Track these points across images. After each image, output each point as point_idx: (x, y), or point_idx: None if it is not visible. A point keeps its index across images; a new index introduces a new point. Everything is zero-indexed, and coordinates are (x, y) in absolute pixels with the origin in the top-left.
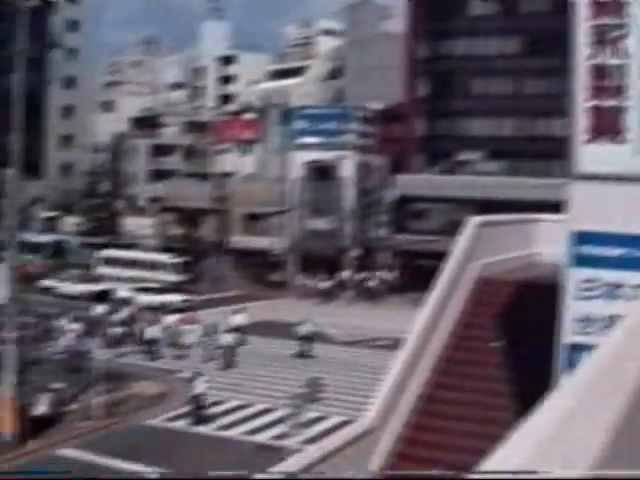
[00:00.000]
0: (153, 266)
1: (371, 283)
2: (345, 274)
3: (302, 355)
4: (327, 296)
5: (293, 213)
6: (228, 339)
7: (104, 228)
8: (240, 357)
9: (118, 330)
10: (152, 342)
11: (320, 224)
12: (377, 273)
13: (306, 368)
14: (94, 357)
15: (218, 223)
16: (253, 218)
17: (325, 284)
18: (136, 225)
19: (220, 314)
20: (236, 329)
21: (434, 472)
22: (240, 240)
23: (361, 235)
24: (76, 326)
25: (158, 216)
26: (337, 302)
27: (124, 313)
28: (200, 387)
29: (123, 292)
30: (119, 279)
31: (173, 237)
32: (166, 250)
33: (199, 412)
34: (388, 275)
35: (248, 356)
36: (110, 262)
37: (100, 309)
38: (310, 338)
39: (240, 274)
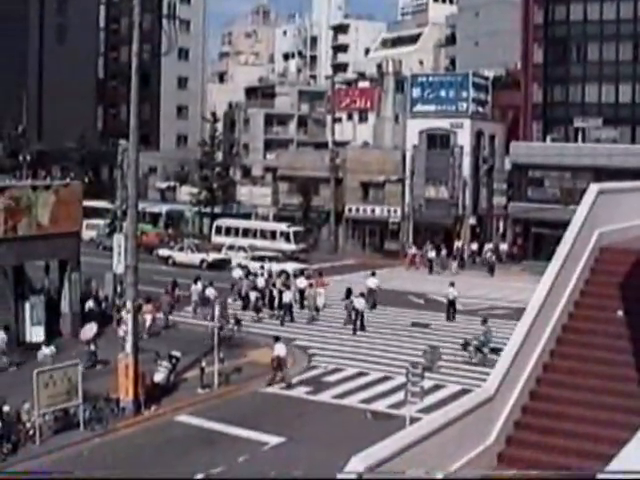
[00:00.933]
0: (269, 235)
1: (488, 252)
2: (459, 243)
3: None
4: (440, 265)
5: (409, 182)
6: (362, 303)
7: (220, 198)
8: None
9: (255, 295)
10: (287, 306)
11: (436, 192)
12: (492, 242)
13: (423, 336)
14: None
15: (333, 192)
16: (368, 187)
17: (433, 253)
18: (251, 194)
19: (338, 283)
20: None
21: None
22: (355, 209)
23: (477, 203)
24: (213, 291)
25: (273, 185)
26: (450, 271)
27: (260, 279)
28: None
29: (239, 261)
30: (235, 248)
31: (288, 206)
32: (281, 219)
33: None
34: (504, 244)
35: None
36: (226, 231)
37: (236, 274)
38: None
39: (355, 243)
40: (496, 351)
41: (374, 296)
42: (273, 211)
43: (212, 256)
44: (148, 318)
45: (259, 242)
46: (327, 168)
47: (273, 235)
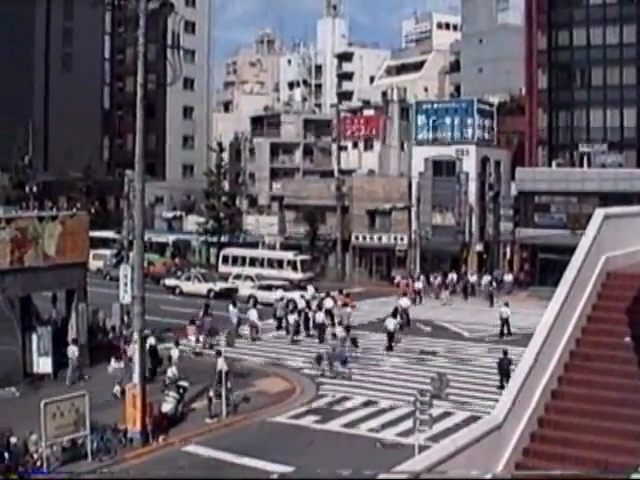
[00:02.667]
0: (276, 264)
1: (485, 282)
2: (453, 275)
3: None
4: (435, 294)
5: (415, 209)
6: (393, 323)
7: (226, 227)
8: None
9: (294, 319)
10: (321, 326)
11: (442, 219)
12: (492, 273)
13: (432, 363)
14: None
15: (340, 220)
16: (375, 214)
17: (420, 283)
18: (258, 223)
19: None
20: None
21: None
22: (362, 236)
23: (484, 230)
24: (255, 313)
25: (279, 214)
26: (442, 300)
27: (301, 301)
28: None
29: (247, 290)
30: (242, 277)
31: (295, 234)
32: (288, 248)
33: None
34: (508, 275)
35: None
36: (233, 260)
37: (276, 296)
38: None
39: (362, 270)
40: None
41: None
42: (280, 240)
43: (219, 285)
44: (193, 339)
45: (266, 271)
46: (333, 196)
47: (280, 264)
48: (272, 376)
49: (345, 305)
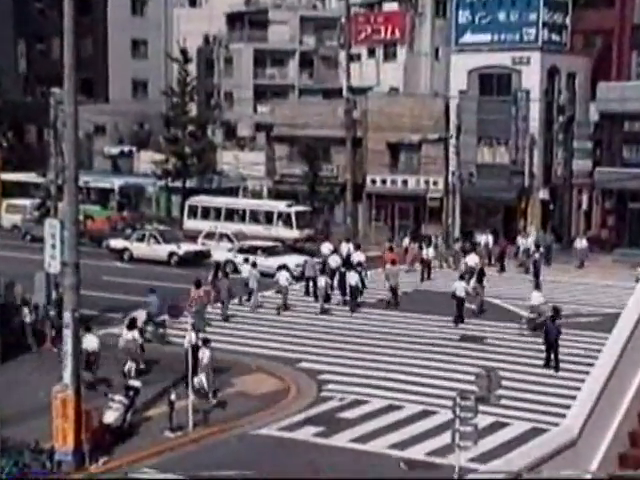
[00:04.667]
0: (263, 218)
1: (525, 251)
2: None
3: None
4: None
5: (454, 142)
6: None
7: (194, 167)
8: None
9: (325, 280)
10: (354, 289)
11: (492, 156)
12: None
13: (476, 355)
14: None
15: (350, 157)
16: (398, 150)
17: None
18: (237, 162)
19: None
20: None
21: None
22: (381, 180)
23: (550, 170)
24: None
25: (267, 149)
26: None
27: (334, 258)
28: None
29: (222, 254)
30: (216, 236)
31: (288, 178)
32: (279, 196)
33: None
34: (582, 241)
35: None
36: (203, 213)
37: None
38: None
39: (381, 227)
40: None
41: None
42: (268, 185)
43: (184, 248)
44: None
45: (249, 228)
46: (341, 125)
47: (268, 218)
48: (258, 371)
49: (393, 263)
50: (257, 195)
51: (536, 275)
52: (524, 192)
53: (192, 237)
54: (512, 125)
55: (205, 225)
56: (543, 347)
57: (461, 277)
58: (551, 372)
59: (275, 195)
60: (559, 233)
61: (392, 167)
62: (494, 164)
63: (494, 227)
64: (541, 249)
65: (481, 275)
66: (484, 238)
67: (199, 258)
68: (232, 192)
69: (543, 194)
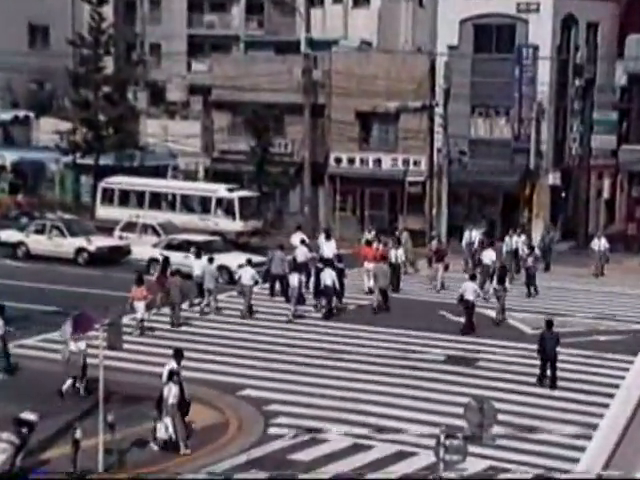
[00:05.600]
0: (198, 205)
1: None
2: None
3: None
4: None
5: (441, 110)
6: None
7: (110, 139)
8: None
9: (299, 278)
10: (330, 291)
11: (489, 129)
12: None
13: (465, 380)
14: None
15: (308, 129)
16: (370, 120)
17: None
18: (166, 134)
19: None
20: None
21: None
22: (348, 159)
23: (563, 148)
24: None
25: (204, 118)
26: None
27: (302, 250)
28: None
29: (146, 250)
30: (138, 228)
31: (231, 154)
32: (219, 177)
33: None
34: (602, 241)
35: None
36: (121, 198)
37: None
38: None
39: (348, 218)
40: None
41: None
42: (204, 163)
43: (97, 243)
44: (140, 308)
45: (180, 218)
46: (298, 88)
47: (205, 206)
48: (196, 398)
49: (383, 259)
50: (191, 176)
51: (528, 284)
52: (529, 176)
53: (107, 229)
54: (515, 90)
55: (123, 214)
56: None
57: (472, 277)
58: (561, 404)
59: (214, 176)
60: (573, 228)
61: (362, 143)
62: (491, 140)
63: (491, 220)
64: (536, 251)
65: (503, 274)
66: (467, 235)
67: (116, 255)
68: (159, 172)
69: (553, 178)
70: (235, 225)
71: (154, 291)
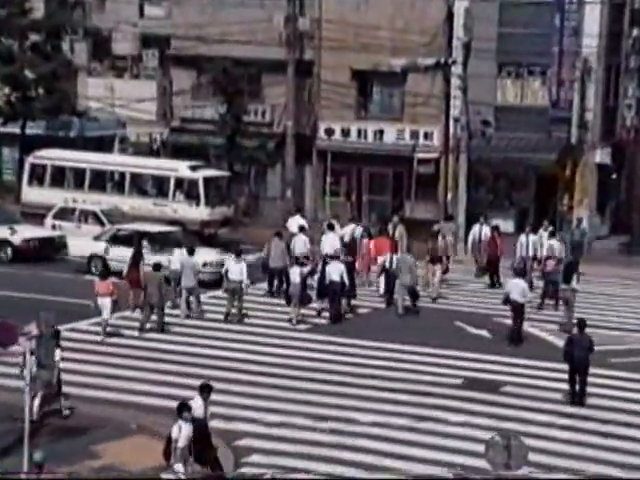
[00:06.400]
0: (152, 187)
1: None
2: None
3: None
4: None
5: (459, 69)
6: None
7: (40, 103)
8: None
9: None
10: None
11: (519, 93)
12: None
13: (487, 409)
14: None
15: (291, 92)
16: (370, 80)
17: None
18: (112, 95)
19: None
20: None
21: None
22: (342, 130)
23: (614, 117)
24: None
25: (160, 76)
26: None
27: (301, 239)
28: None
29: (86, 245)
30: (75, 215)
31: (194, 123)
32: (179, 152)
33: None
34: None
35: None
36: (54, 177)
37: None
38: None
39: (340, 203)
40: None
41: None
42: (161, 134)
43: (23, 233)
44: (107, 307)
45: (130, 202)
46: (279, 40)
47: (161, 187)
48: (140, 433)
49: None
50: (144, 151)
51: (554, 296)
52: (570, 152)
53: (36, 216)
54: (554, 44)
55: (57, 197)
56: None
57: (519, 272)
58: (611, 443)
59: (173, 151)
60: (625, 219)
61: (360, 110)
62: (522, 107)
63: (521, 209)
64: (562, 254)
65: (570, 271)
66: (474, 231)
67: (47, 250)
68: (103, 145)
69: (601, 155)
70: (199, 213)
71: (124, 291)
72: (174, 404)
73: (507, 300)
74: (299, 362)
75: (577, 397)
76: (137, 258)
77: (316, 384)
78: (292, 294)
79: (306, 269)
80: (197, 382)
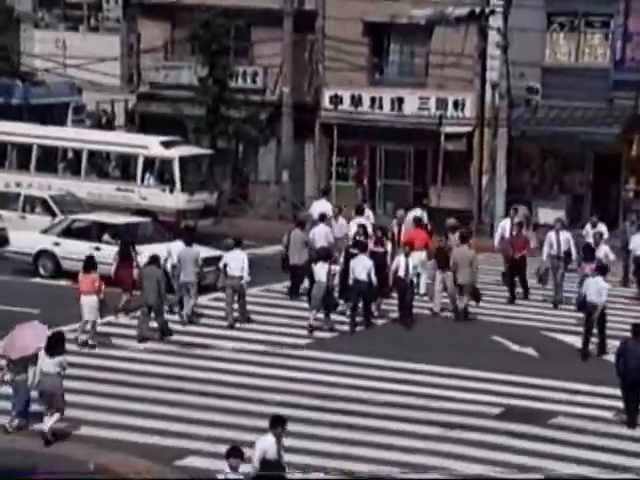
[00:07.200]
0: (115, 168)
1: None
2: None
3: None
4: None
5: (499, 21)
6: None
7: None
8: None
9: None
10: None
11: (572, 51)
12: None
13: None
14: None
15: (293, 51)
16: (387, 38)
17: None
18: (64, 54)
19: None
20: None
21: None
22: (351, 97)
23: None
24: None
25: (125, 30)
26: None
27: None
28: None
29: (32, 238)
30: (19, 202)
31: (169, 90)
32: (150, 125)
33: None
34: None
35: None
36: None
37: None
38: None
39: (350, 190)
40: None
41: None
42: (127, 102)
43: None
44: (93, 304)
45: (88, 187)
46: None
47: (126, 168)
48: (100, 474)
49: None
50: (105, 122)
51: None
52: (638, 125)
53: None
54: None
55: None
56: None
57: (600, 270)
58: None
59: (141, 123)
60: None
61: (374, 73)
62: (578, 68)
63: (575, 195)
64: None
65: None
66: (502, 225)
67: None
68: (53, 115)
69: None
70: (174, 200)
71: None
72: (147, 439)
73: (582, 303)
74: (300, 386)
75: (629, 418)
76: (125, 251)
77: (320, 413)
78: (314, 296)
79: (337, 267)
80: (176, 411)
